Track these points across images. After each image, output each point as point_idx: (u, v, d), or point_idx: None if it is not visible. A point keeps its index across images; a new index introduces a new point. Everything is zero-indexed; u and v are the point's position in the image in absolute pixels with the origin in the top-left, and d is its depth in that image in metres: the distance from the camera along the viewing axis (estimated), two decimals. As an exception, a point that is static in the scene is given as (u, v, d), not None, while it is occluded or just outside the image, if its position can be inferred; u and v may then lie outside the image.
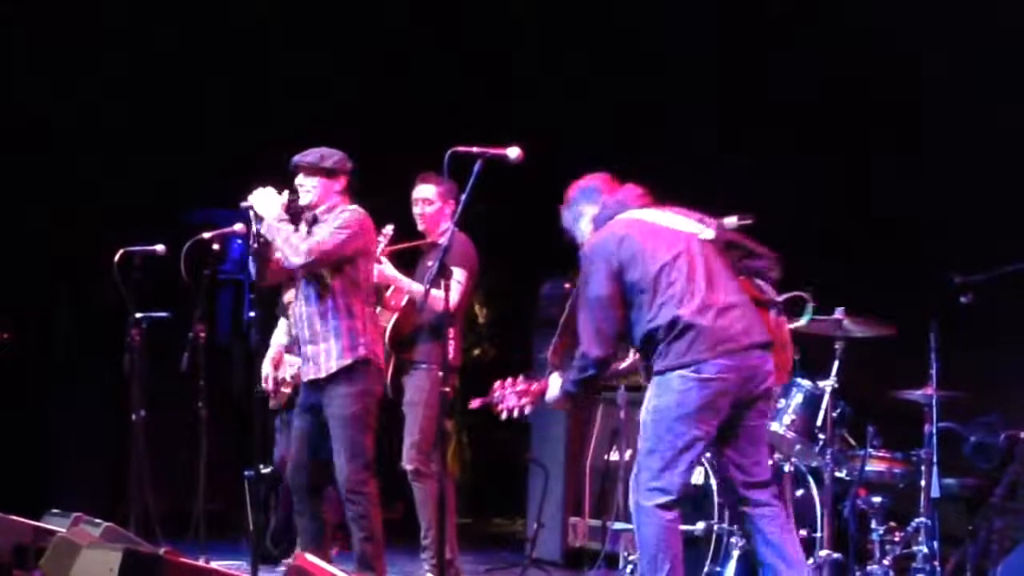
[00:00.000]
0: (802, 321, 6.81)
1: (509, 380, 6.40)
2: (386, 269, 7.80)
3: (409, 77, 11.36)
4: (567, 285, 10.00)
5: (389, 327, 7.93)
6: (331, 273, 7.00)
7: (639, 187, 6.32)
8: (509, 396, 6.36)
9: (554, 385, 6.30)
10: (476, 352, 11.59)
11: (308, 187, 7.09)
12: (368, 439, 7.01)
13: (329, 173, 7.09)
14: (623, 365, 6.57)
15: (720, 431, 6.02)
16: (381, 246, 7.74)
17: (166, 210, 10.31)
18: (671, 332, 5.95)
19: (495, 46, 11.21)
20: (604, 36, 10.86)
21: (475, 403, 6.51)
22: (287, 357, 8.39)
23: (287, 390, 8.30)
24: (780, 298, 6.40)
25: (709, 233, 6.15)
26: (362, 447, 6.98)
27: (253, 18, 11.11)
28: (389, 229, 7.86)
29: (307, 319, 7.10)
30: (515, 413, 6.35)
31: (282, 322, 8.56)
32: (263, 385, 8.35)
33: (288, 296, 8.31)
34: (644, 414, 6.08)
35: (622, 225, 6.16)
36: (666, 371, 5.98)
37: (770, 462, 6.63)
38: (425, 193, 8.07)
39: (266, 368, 8.41)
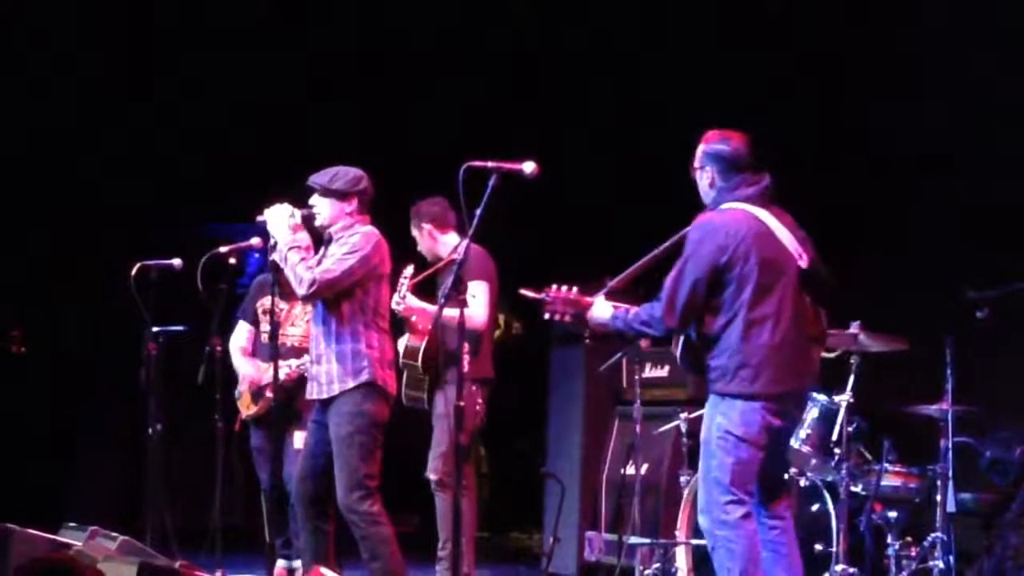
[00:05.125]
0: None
1: (564, 287, 6.34)
2: (410, 301, 7.84)
3: (427, 91, 11.37)
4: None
5: (421, 350, 7.97)
6: (339, 296, 7.00)
7: (770, 178, 6.24)
8: (559, 301, 6.33)
9: (601, 308, 6.30)
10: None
11: (320, 207, 7.09)
12: (364, 460, 6.95)
13: (340, 195, 7.08)
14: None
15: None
16: (404, 286, 7.75)
17: (183, 224, 10.33)
18: (744, 355, 6.04)
19: (508, 62, 11.23)
20: (613, 49, 10.89)
21: (527, 292, 6.48)
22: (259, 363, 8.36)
23: (270, 394, 8.14)
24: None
25: (804, 261, 6.17)
26: (354, 468, 6.93)
27: (276, 27, 11.14)
28: (409, 270, 7.86)
29: (314, 339, 7.13)
30: (556, 318, 6.35)
31: (242, 325, 8.55)
32: (246, 388, 8.36)
33: (264, 304, 8.26)
34: (707, 431, 6.16)
35: (741, 218, 6.12)
36: (730, 395, 6.07)
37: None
38: (413, 232, 8.23)
39: (247, 368, 8.42)
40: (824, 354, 6.64)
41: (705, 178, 6.29)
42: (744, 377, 6.03)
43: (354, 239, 7.00)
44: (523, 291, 6.53)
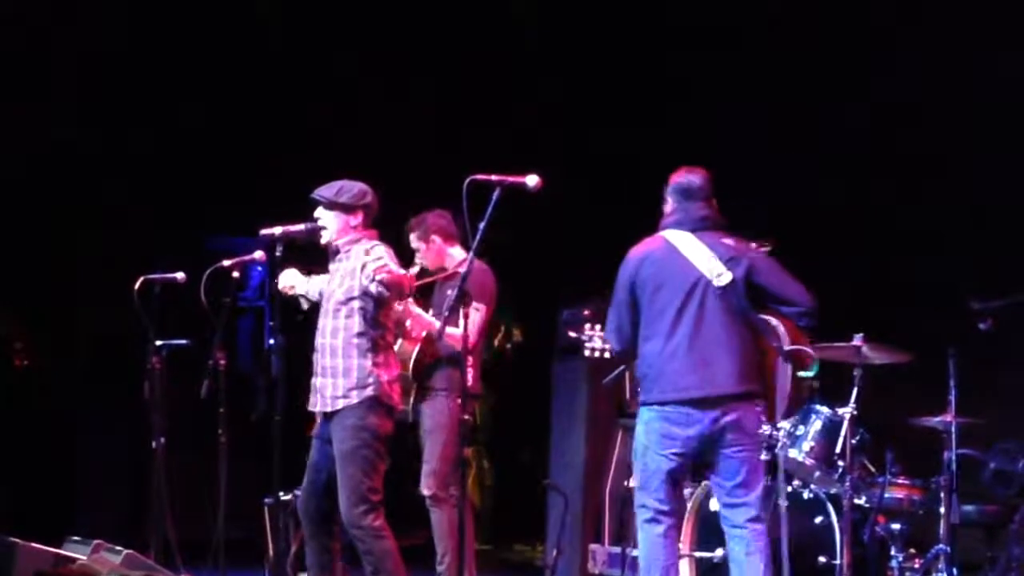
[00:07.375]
0: (808, 374, 7.30)
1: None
2: (411, 307, 7.85)
3: (430, 107, 11.40)
4: (586, 312, 10.02)
5: (412, 357, 7.98)
6: (358, 310, 7.00)
7: (710, 210, 6.49)
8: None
9: None
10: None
11: (325, 221, 7.08)
12: (368, 474, 6.93)
13: (345, 208, 7.08)
14: None
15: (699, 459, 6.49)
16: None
17: (186, 237, 10.34)
18: (645, 366, 6.43)
19: (508, 72, 11.25)
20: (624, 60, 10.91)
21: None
22: None
23: None
24: (787, 347, 6.84)
25: (725, 279, 6.34)
26: (358, 482, 6.91)
27: (280, 46, 11.16)
28: (415, 270, 7.86)
29: (320, 350, 7.10)
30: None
31: None
32: None
33: None
34: None
35: (653, 244, 6.48)
36: (641, 405, 6.48)
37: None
38: (413, 244, 8.23)
39: None
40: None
41: (665, 208, 6.62)
42: (644, 388, 6.45)
43: (381, 252, 6.98)
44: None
